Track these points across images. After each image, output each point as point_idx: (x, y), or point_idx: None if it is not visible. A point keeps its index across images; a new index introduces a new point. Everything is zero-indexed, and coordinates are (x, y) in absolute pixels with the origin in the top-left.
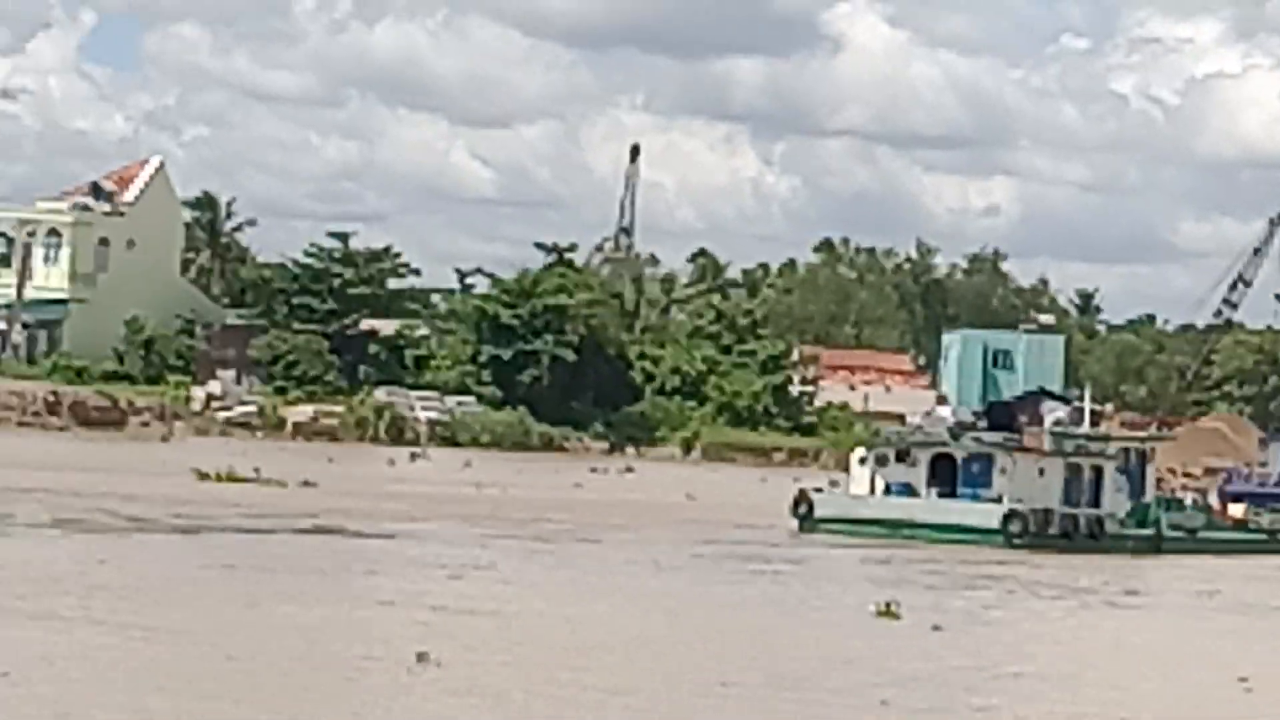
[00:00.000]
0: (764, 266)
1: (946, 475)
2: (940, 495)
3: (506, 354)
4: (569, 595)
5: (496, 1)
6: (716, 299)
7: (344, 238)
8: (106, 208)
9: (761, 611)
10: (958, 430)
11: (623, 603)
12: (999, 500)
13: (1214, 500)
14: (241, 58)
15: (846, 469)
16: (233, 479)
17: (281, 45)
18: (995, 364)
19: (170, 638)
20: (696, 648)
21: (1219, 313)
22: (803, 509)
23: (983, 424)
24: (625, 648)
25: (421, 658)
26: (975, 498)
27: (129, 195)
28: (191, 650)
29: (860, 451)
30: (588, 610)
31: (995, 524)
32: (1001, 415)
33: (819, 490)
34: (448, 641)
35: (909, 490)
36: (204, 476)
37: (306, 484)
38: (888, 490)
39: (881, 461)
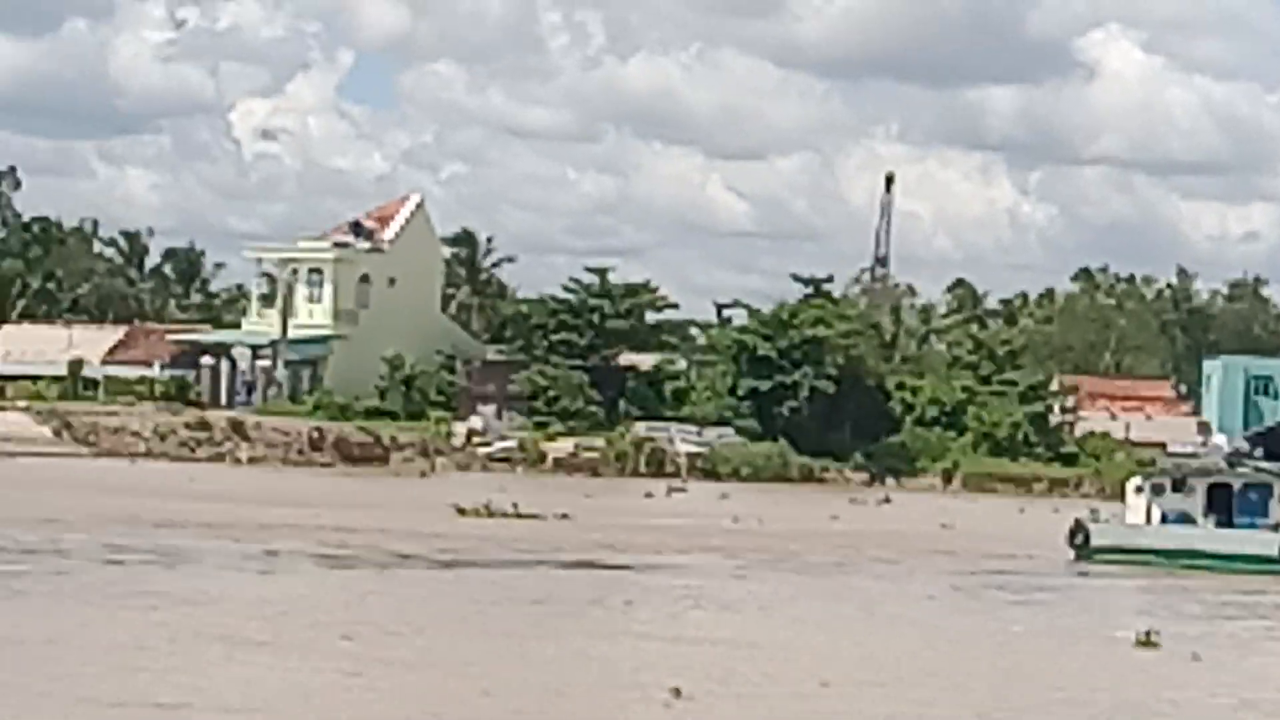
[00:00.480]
0: (1022, 296)
1: (1223, 504)
2: (1217, 524)
3: (765, 386)
4: (824, 627)
5: (750, 34)
6: (975, 329)
7: (602, 272)
8: (367, 245)
9: (1017, 641)
10: (1234, 459)
11: (878, 634)
12: (1277, 529)
13: None
14: (497, 94)
15: (1116, 497)
16: (491, 514)
17: (536, 81)
18: (1257, 390)
19: (428, 672)
20: (952, 678)
21: None
22: (1079, 538)
23: (1258, 452)
24: (880, 680)
25: (676, 692)
26: (1252, 526)
27: (389, 233)
28: (448, 684)
29: (1136, 481)
30: (843, 642)
31: (1275, 552)
32: (1277, 443)
33: (1094, 519)
34: (702, 675)
35: (1186, 519)
36: (462, 512)
37: (563, 517)
38: (1164, 519)
39: (1158, 491)
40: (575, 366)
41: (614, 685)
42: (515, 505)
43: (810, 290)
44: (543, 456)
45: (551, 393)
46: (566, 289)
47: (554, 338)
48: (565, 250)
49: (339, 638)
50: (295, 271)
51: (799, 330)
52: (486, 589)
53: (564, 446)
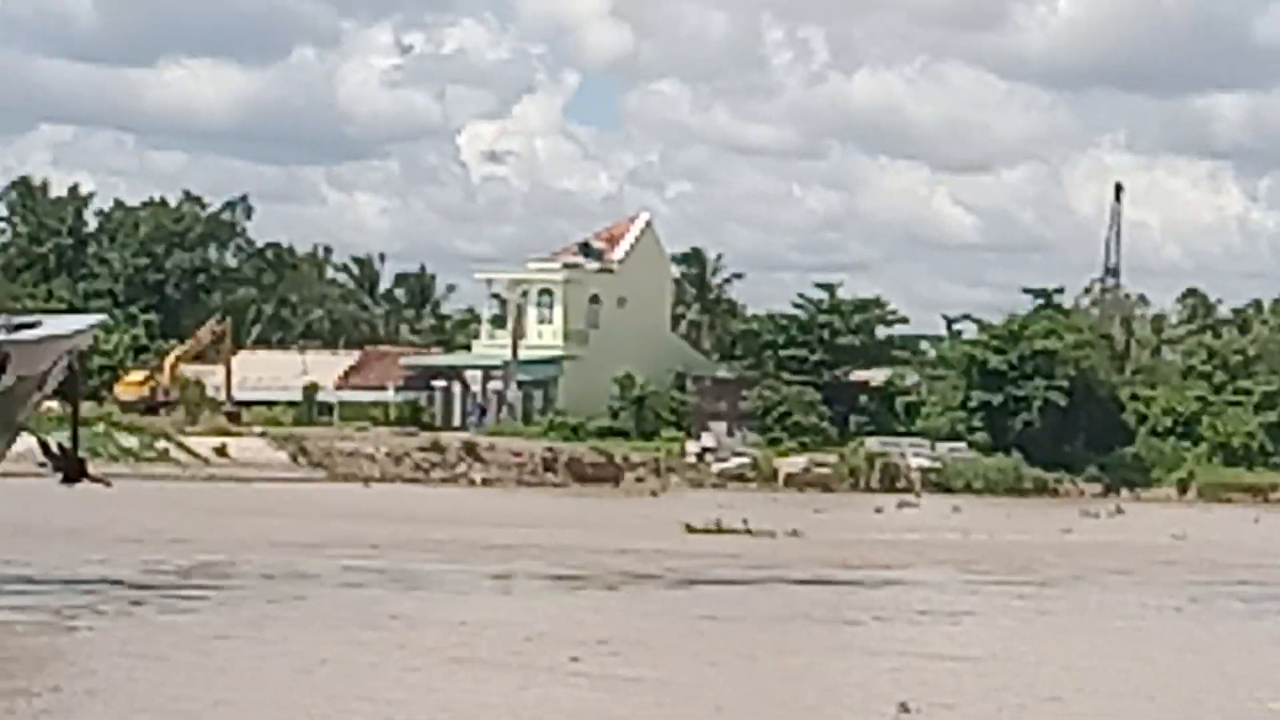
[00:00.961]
0: (1256, 303)
1: None
2: None
3: (997, 399)
4: (1054, 640)
5: (973, 46)
6: (1208, 338)
7: (830, 288)
8: (596, 266)
9: (1257, 654)
10: None
11: (1110, 647)
12: None
13: None
14: (721, 113)
15: None
16: (721, 531)
17: (760, 99)
18: None
19: (658, 690)
20: (1188, 692)
21: None
22: None
23: None
24: (1112, 693)
25: (904, 707)
26: None
27: (618, 253)
28: (678, 702)
29: None
30: (1074, 655)
31: None
32: None
33: None
34: (930, 690)
35: None
36: (693, 530)
37: (794, 534)
38: None
39: None
40: (806, 383)
41: (841, 701)
42: (746, 522)
43: (1040, 302)
44: (775, 473)
45: (783, 409)
46: (796, 305)
47: (784, 354)
48: (793, 267)
49: (568, 658)
50: (525, 293)
51: (1030, 342)
52: (716, 606)
53: (796, 463)
